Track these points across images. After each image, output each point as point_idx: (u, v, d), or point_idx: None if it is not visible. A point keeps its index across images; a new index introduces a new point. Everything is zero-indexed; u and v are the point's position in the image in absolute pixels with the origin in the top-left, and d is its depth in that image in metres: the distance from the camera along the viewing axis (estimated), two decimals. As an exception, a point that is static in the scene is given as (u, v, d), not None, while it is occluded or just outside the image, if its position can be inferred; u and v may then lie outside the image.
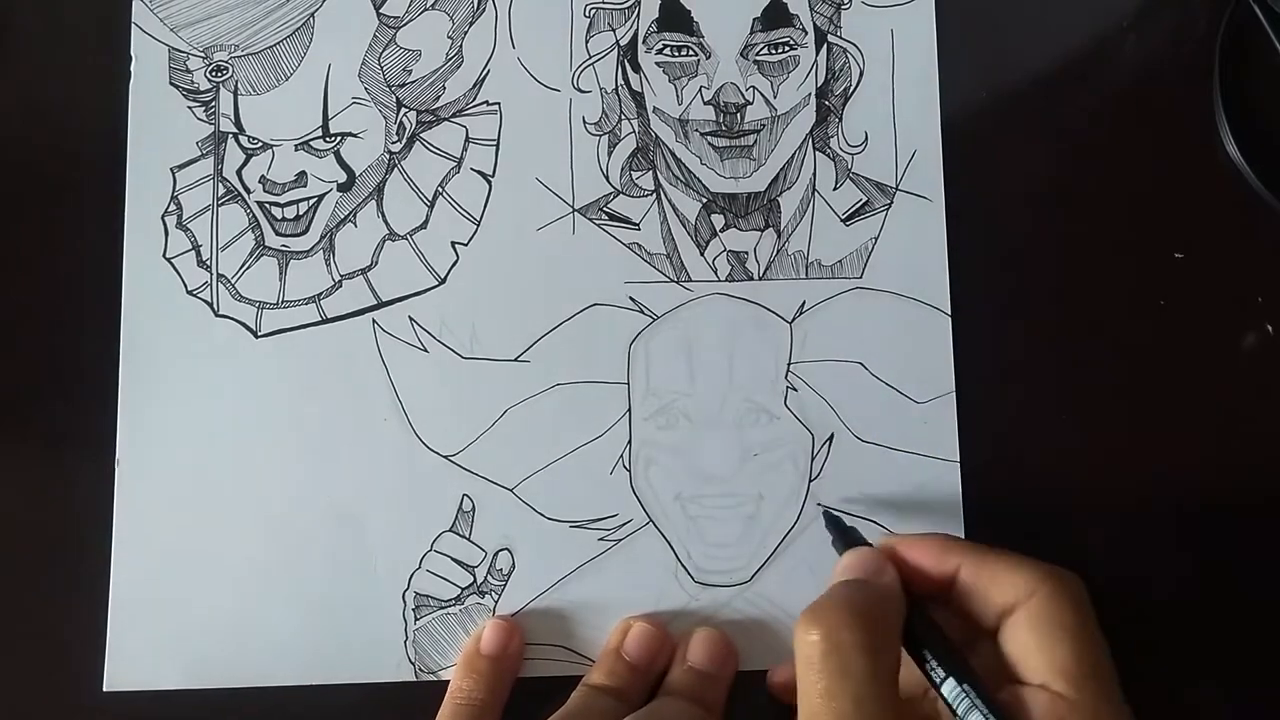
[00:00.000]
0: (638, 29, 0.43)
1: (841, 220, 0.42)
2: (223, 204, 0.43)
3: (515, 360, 0.41)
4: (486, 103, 0.43)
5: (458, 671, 0.39)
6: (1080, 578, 0.34)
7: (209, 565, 0.40)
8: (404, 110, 0.43)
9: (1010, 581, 0.34)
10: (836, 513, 0.39)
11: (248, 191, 0.43)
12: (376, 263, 0.42)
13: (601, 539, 0.40)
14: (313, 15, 0.43)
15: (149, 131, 0.43)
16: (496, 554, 0.40)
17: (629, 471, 0.41)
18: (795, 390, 0.41)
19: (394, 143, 0.43)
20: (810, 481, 0.40)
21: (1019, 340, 0.41)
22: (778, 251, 0.42)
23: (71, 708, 0.40)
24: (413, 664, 0.40)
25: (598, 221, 0.42)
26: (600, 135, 0.43)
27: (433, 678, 0.40)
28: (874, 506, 0.40)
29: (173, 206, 0.42)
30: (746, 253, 0.42)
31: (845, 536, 0.37)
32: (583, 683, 0.38)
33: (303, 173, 0.43)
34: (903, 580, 0.35)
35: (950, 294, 0.41)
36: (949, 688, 0.32)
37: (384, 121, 0.43)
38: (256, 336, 0.42)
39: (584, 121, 0.43)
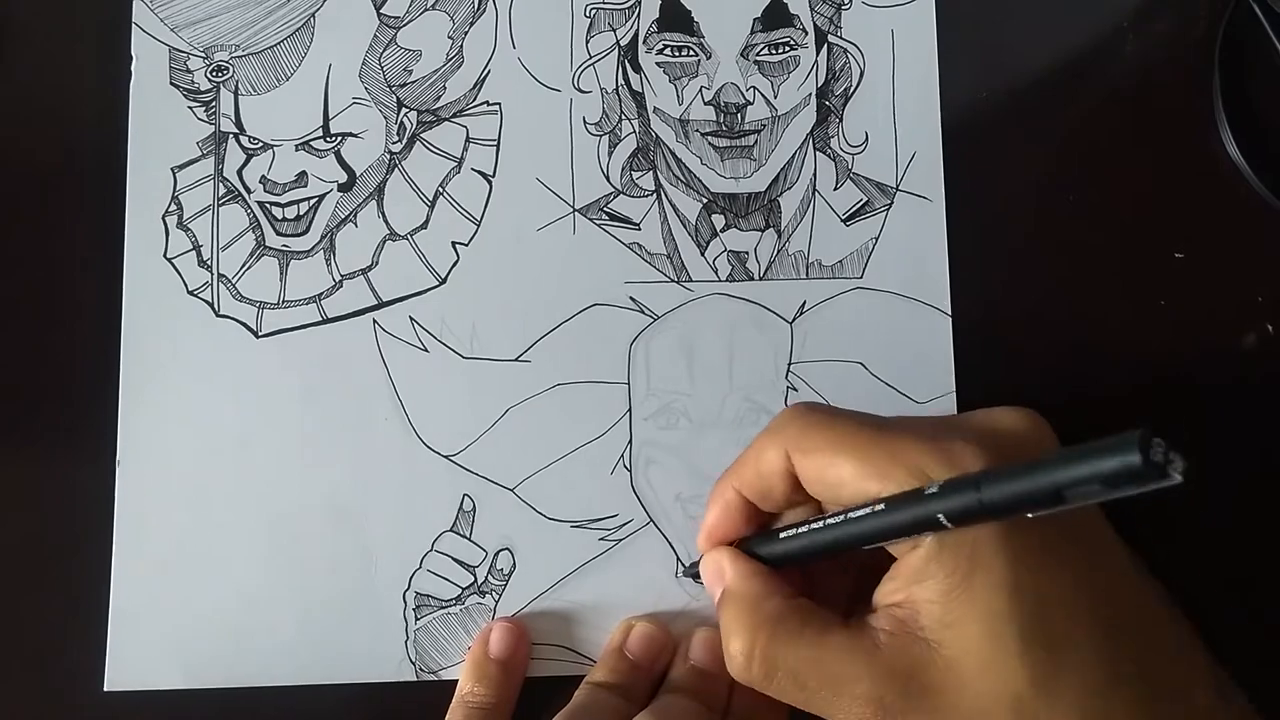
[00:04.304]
0: (638, 29, 0.43)
1: (842, 220, 0.42)
2: (223, 204, 0.43)
3: (516, 360, 0.41)
4: (487, 103, 0.43)
5: (466, 675, 0.39)
6: (800, 404, 0.35)
7: (209, 565, 0.40)
8: (404, 110, 0.43)
9: (767, 465, 0.34)
10: (687, 572, 0.40)
11: (248, 191, 0.43)
12: (377, 263, 0.42)
13: (602, 539, 0.40)
14: (313, 15, 0.43)
15: (149, 131, 0.43)
16: (497, 554, 0.40)
17: (629, 471, 0.41)
18: (795, 390, 0.41)
19: (394, 143, 0.43)
20: (810, 481, 0.40)
21: (1019, 340, 0.41)
22: (778, 251, 0.42)
23: (72, 707, 0.40)
24: (413, 664, 0.40)
25: (598, 221, 0.42)
26: (601, 135, 0.43)
27: (433, 678, 0.40)
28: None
29: (173, 206, 0.42)
30: (747, 253, 0.42)
31: (694, 571, 0.39)
32: (586, 681, 0.38)
33: (303, 173, 0.43)
34: (738, 537, 0.36)
35: (950, 294, 0.41)
36: (830, 525, 0.32)
37: (384, 121, 0.43)
38: (257, 336, 0.42)
39: (584, 121, 0.43)
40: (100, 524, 0.40)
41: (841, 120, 0.43)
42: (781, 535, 0.34)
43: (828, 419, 0.33)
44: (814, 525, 0.33)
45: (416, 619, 0.40)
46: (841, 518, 0.32)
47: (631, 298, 0.42)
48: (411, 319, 0.42)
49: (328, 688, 0.40)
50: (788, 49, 0.43)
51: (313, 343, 0.42)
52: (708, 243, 0.42)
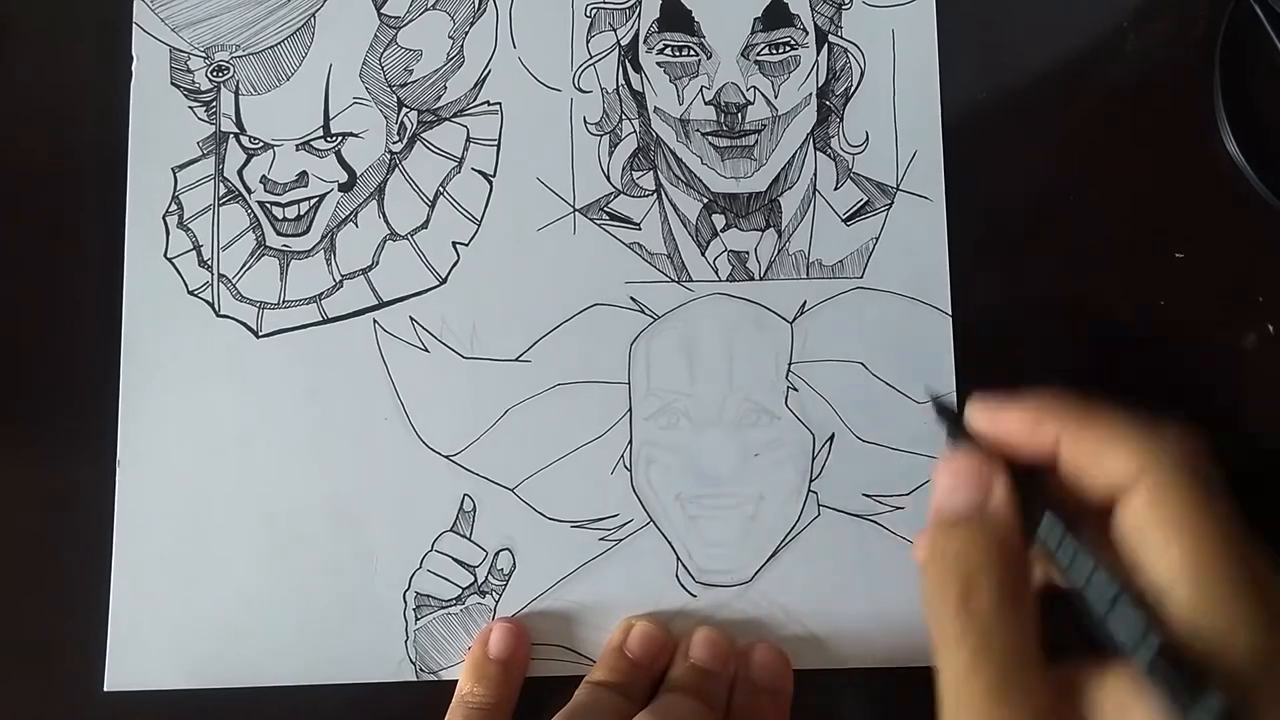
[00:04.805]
0: (638, 29, 0.43)
1: (842, 220, 0.42)
2: (224, 204, 0.43)
3: (516, 360, 0.41)
4: (487, 103, 0.43)
5: (466, 675, 0.39)
6: (1196, 436, 0.29)
7: (209, 565, 0.40)
8: (405, 110, 0.43)
9: (1111, 461, 0.29)
10: (944, 402, 0.35)
11: (249, 191, 0.43)
12: (377, 263, 0.42)
13: (602, 539, 0.40)
14: (314, 15, 0.43)
15: (150, 131, 0.43)
16: (497, 554, 0.40)
17: (629, 471, 0.41)
18: (795, 390, 0.41)
19: (395, 142, 0.43)
20: (810, 481, 0.40)
21: (1019, 340, 0.41)
22: (778, 251, 0.42)
23: (72, 707, 0.40)
24: (413, 664, 0.40)
25: (598, 221, 0.42)
26: (601, 135, 0.43)
27: (433, 678, 0.40)
28: (874, 507, 0.40)
29: (174, 206, 0.42)
30: (747, 253, 0.42)
31: (951, 427, 0.33)
32: (586, 680, 0.38)
33: (304, 173, 0.43)
34: (1006, 454, 0.31)
35: (950, 294, 0.41)
36: (1096, 582, 0.28)
37: (385, 121, 0.43)
38: (257, 336, 0.42)
39: (585, 121, 0.43)
40: (100, 524, 0.41)
41: (842, 120, 0.43)
42: (1060, 541, 0.29)
43: (1214, 507, 0.28)
44: (1119, 595, 0.28)
45: (417, 619, 0.40)
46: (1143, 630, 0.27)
47: (632, 298, 0.42)
48: (412, 319, 0.42)
49: (328, 688, 0.40)
50: (788, 49, 0.43)
51: (313, 343, 0.42)
52: (708, 243, 0.42)
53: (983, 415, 0.32)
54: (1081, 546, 0.29)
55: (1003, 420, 0.32)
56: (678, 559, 0.40)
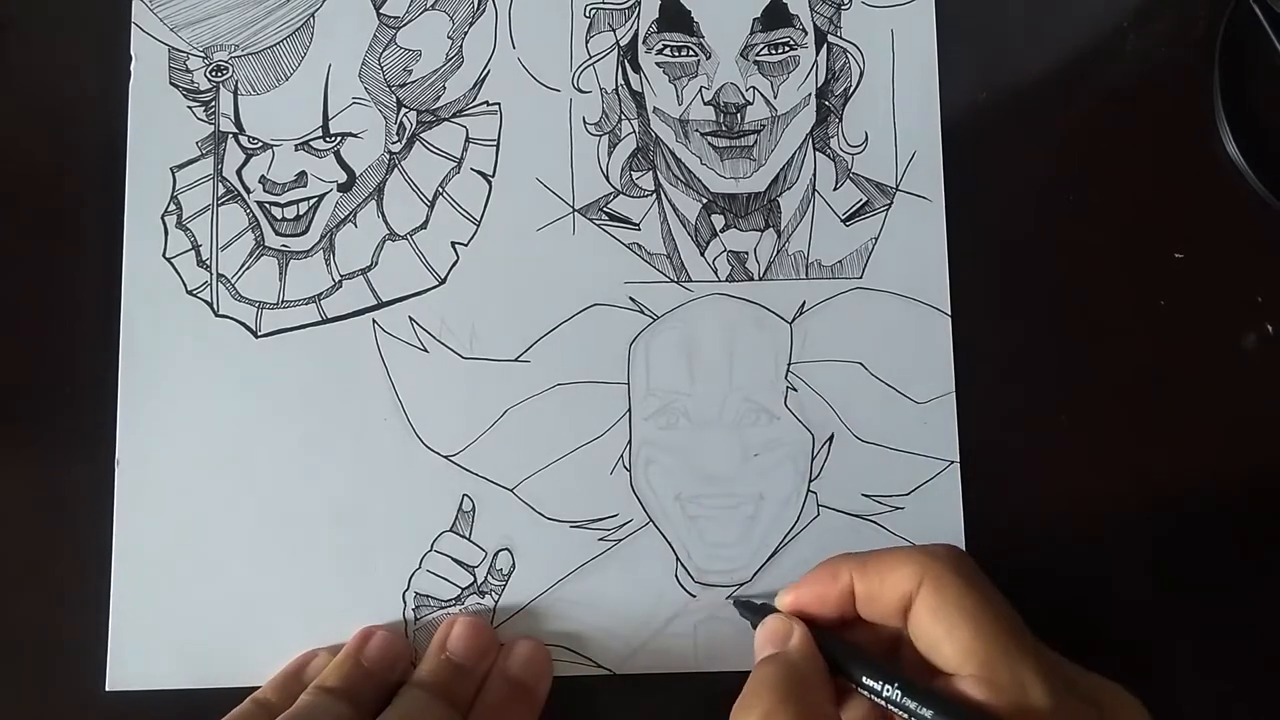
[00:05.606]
0: (638, 29, 0.43)
1: (841, 220, 0.42)
2: (223, 204, 0.43)
3: (515, 360, 0.41)
4: (486, 103, 0.43)
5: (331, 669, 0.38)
6: (960, 549, 0.34)
7: (209, 565, 0.40)
8: (404, 110, 0.43)
9: (895, 577, 0.33)
10: (743, 599, 0.39)
11: (248, 191, 0.43)
12: (376, 263, 0.42)
13: (601, 539, 0.40)
14: (313, 15, 0.43)
15: (149, 131, 0.43)
16: (496, 554, 0.40)
17: (629, 471, 0.41)
18: (795, 390, 0.41)
19: (394, 143, 0.43)
20: (810, 481, 0.40)
21: (1019, 340, 0.41)
22: (778, 251, 0.42)
23: (74, 707, 0.40)
24: (413, 664, 0.40)
25: (598, 221, 0.42)
26: (600, 135, 0.43)
27: (433, 677, 0.40)
28: (873, 507, 0.40)
29: (172, 206, 0.42)
30: (747, 253, 0.42)
31: (755, 614, 0.37)
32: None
33: (303, 173, 0.43)
34: (816, 617, 0.35)
35: (950, 294, 0.41)
36: (888, 693, 0.32)
37: (384, 121, 0.43)
38: (256, 336, 0.42)
39: (584, 121, 0.43)
40: (100, 524, 0.41)
41: (841, 120, 0.43)
42: (864, 680, 0.33)
43: (986, 592, 0.33)
44: (908, 699, 0.32)
45: (416, 619, 0.40)
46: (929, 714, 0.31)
47: (631, 298, 0.42)
48: (411, 319, 0.42)
49: (327, 688, 0.40)
50: (787, 49, 0.43)
51: (312, 343, 0.42)
52: (707, 243, 0.42)
53: (787, 594, 0.36)
54: (881, 672, 0.33)
55: (808, 585, 0.36)
56: (677, 559, 0.40)
